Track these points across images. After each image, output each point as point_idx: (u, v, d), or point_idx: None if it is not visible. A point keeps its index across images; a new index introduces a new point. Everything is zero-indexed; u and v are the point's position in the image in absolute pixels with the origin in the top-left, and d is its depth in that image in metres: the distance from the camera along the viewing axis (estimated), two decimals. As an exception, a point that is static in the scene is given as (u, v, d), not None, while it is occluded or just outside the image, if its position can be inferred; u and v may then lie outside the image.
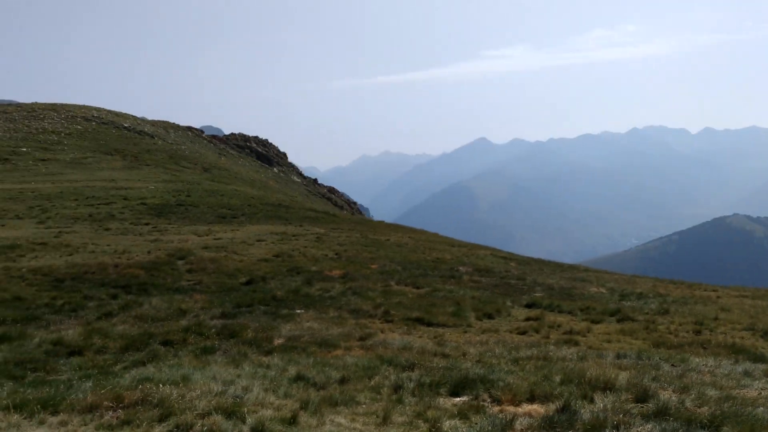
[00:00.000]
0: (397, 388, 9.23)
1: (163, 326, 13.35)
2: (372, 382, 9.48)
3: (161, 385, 8.91)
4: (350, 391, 9.09)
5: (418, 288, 18.76)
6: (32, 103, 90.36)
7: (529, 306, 17.35)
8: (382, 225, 43.74)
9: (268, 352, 11.60)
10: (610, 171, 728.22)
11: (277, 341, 12.48)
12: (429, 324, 14.46)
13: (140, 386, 8.93)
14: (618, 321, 16.12)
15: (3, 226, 28.44)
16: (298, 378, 9.63)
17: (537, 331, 14.31)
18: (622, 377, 9.19)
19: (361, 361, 10.73)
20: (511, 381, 9.03)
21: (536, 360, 10.86)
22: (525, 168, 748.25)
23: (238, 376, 9.78)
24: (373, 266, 21.83)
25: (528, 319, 15.64)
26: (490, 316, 15.75)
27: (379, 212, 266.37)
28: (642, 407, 7.92)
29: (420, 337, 13.23)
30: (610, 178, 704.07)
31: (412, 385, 9.24)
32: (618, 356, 11.44)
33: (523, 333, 14.21)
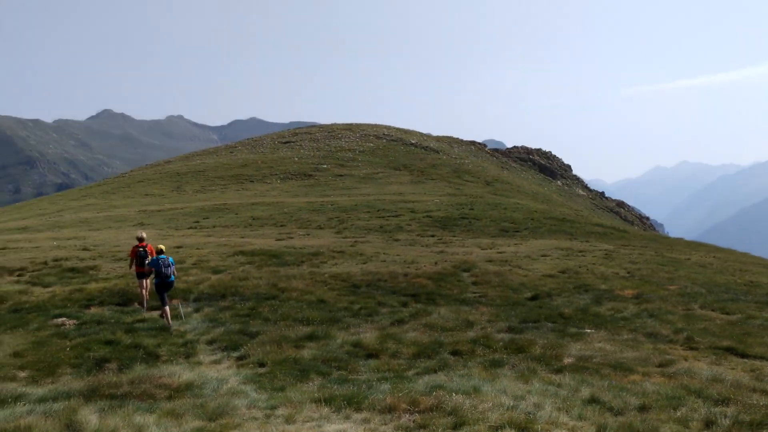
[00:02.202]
0: (708, 423, 8.35)
1: (452, 336, 13.60)
2: (677, 414, 8.64)
3: (454, 394, 9.01)
4: (652, 420, 8.39)
5: (727, 314, 16.66)
6: (332, 124, 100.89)
7: None
8: (680, 242, 40.11)
9: (558, 371, 11.16)
10: None
11: (567, 360, 11.96)
12: (743, 355, 12.68)
13: (434, 393, 9.14)
14: None
15: (308, 235, 31.79)
16: (592, 400, 9.15)
17: None
18: None
19: (662, 389, 9.84)
20: None
21: None
22: None
23: (528, 392, 9.54)
24: (671, 287, 19.99)
25: None
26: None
27: (675, 229, 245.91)
28: None
29: (732, 369, 11.65)
30: None
31: (727, 422, 8.23)
32: None
33: None
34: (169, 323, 14.28)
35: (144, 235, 16.65)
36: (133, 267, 16.39)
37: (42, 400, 8.54)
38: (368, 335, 13.53)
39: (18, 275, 19.19)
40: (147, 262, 15.54)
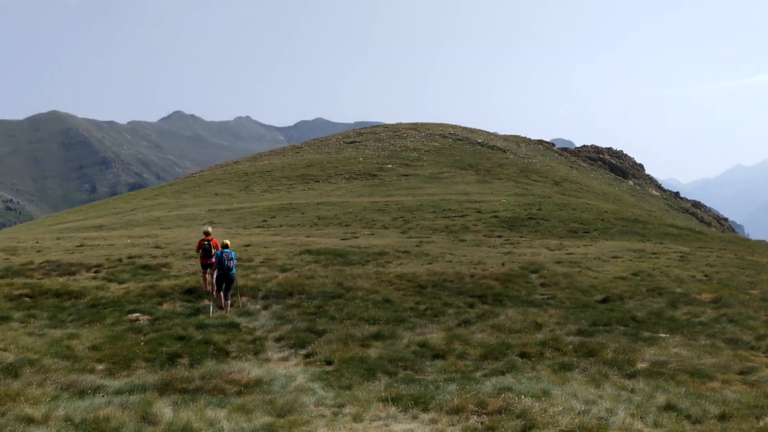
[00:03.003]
0: (794, 434, 7.84)
1: (519, 338, 13.37)
2: (760, 423, 8.28)
3: (522, 397, 8.84)
4: (733, 430, 8.11)
5: (814, 321, 15.81)
6: (396, 124, 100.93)
7: None
8: (761, 245, 38.29)
9: (631, 376, 10.83)
10: None
11: (640, 365, 11.57)
12: (836, 366, 11.99)
13: (502, 395, 8.98)
14: None
15: (373, 234, 31.87)
16: (669, 407, 8.83)
17: None
18: None
19: (744, 397, 9.42)
20: None
21: None
22: None
23: (600, 396, 9.28)
24: (752, 291, 19.11)
25: None
26: None
27: (757, 231, 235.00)
28: None
29: (824, 380, 11.02)
30: None
31: (815, 433, 7.74)
32: None
33: None
34: (226, 311, 15.50)
35: (210, 229, 17.98)
36: (199, 258, 17.93)
37: (119, 392, 8.81)
38: (435, 336, 13.44)
39: (95, 272, 19.91)
40: (213, 254, 16.71)
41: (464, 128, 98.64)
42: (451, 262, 22.97)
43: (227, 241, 16.47)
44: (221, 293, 15.91)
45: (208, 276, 17.31)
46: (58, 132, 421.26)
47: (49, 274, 19.31)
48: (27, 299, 16.26)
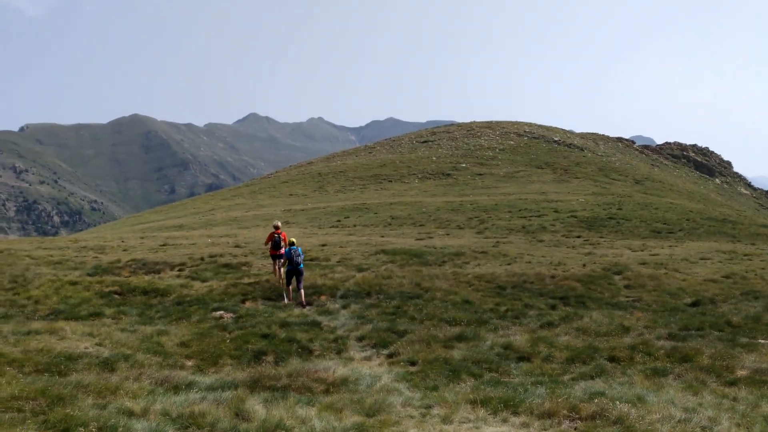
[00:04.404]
0: None
1: (607, 341, 12.94)
2: None
3: (617, 403, 8.50)
4: None
5: None
6: (470, 122, 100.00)
7: None
8: None
9: (730, 383, 10.27)
10: None
11: (740, 372, 10.96)
12: None
13: (595, 400, 8.68)
14: None
15: (448, 235, 31.63)
16: (776, 418, 8.24)
17: None
18: None
19: None
20: None
21: None
22: None
23: (700, 404, 8.83)
24: None
25: None
26: None
27: None
28: None
29: None
30: None
31: None
32: None
33: None
34: (301, 300, 16.51)
35: (280, 224, 19.17)
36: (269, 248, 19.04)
37: (211, 388, 8.98)
38: (518, 338, 13.17)
39: (179, 270, 20.50)
40: (284, 251, 17.82)
41: (540, 126, 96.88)
42: (530, 262, 22.53)
43: (293, 239, 17.69)
44: (289, 287, 17.13)
45: (278, 267, 18.47)
46: (139, 135, 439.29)
47: (136, 272, 20.01)
48: (117, 296, 16.89)
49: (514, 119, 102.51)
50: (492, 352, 12.16)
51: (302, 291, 16.91)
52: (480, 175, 62.33)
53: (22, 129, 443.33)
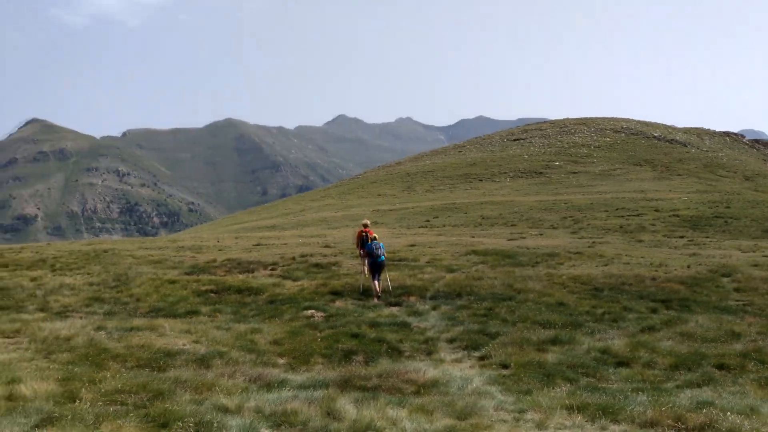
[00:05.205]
0: None
1: (715, 348, 12.17)
2: None
3: (728, 413, 7.91)
4: None
5: None
6: (563, 119, 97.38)
7: None
8: None
9: None
10: None
11: None
12: None
13: (703, 410, 8.13)
14: None
15: (541, 235, 30.85)
16: None
17: None
18: None
19: None
20: None
21: None
22: None
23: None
24: None
25: None
26: None
27: None
28: None
29: None
30: None
31: None
32: None
33: None
34: (377, 293, 17.06)
35: (368, 222, 19.36)
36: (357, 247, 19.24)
37: (302, 386, 9.03)
38: (616, 342, 12.57)
39: (271, 269, 20.92)
40: (366, 245, 18.28)
41: (638, 122, 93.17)
42: (628, 263, 21.62)
43: (375, 234, 18.50)
44: (375, 281, 17.47)
45: (365, 269, 18.62)
46: (233, 138, 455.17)
47: (231, 272, 20.56)
48: (212, 295, 17.38)
49: (610, 115, 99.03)
50: (588, 357, 11.66)
51: (380, 282, 17.48)
52: (574, 173, 60.65)
53: (123, 134, 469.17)
